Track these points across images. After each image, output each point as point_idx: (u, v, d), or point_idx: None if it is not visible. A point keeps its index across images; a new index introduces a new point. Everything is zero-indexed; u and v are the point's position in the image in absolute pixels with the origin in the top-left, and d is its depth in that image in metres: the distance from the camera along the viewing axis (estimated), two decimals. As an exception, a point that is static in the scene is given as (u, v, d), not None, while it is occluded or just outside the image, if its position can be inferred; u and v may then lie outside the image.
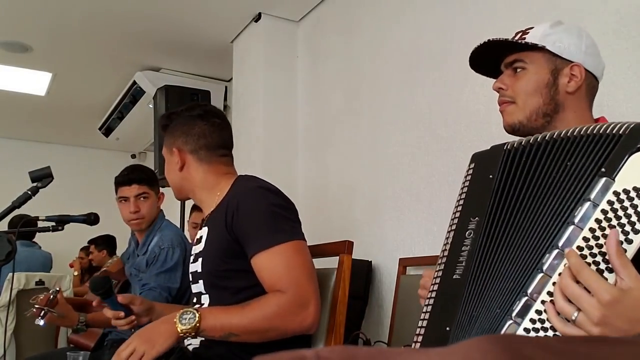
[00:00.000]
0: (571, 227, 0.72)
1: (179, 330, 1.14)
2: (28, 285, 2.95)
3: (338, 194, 2.67)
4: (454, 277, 0.85)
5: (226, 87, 3.88)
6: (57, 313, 1.66)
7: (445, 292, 0.86)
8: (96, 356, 1.91)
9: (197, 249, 1.37)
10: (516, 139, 0.92)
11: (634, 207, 0.68)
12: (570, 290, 0.70)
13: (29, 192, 1.64)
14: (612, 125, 0.77)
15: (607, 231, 0.70)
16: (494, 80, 1.11)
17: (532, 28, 1.06)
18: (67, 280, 3.19)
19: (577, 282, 0.70)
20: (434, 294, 0.87)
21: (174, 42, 3.40)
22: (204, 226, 1.39)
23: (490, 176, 0.88)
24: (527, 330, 0.71)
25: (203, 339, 1.28)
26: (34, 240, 3.84)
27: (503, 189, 0.85)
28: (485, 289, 0.80)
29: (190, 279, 1.39)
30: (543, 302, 0.72)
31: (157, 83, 3.45)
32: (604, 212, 0.71)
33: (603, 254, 0.70)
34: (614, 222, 0.70)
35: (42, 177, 1.65)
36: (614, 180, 0.70)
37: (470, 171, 0.94)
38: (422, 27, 2.30)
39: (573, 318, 0.69)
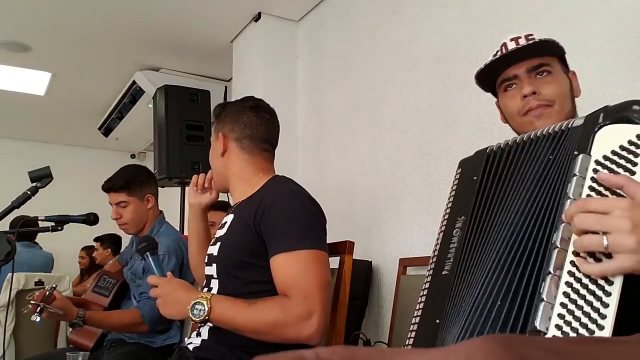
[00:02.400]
0: (568, 201, 0.72)
1: (189, 315, 1.21)
2: (27, 286, 2.95)
3: (338, 194, 2.67)
4: (443, 273, 0.90)
5: (226, 87, 3.87)
6: (53, 309, 1.65)
7: (436, 287, 0.91)
8: (95, 356, 1.91)
9: (218, 232, 1.38)
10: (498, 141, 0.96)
11: (619, 164, 0.70)
12: (589, 220, 0.65)
13: (29, 192, 1.64)
14: (579, 118, 0.81)
15: (605, 192, 0.70)
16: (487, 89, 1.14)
17: (531, 34, 1.07)
18: (66, 280, 3.19)
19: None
20: (425, 291, 0.93)
21: (174, 42, 3.40)
22: (231, 213, 1.40)
23: (475, 178, 0.93)
24: (563, 304, 0.66)
25: (205, 338, 1.28)
26: (35, 241, 3.84)
27: (486, 188, 0.90)
28: (472, 282, 0.83)
29: (205, 261, 1.39)
30: (570, 272, 0.68)
31: (157, 83, 3.45)
32: (593, 179, 0.72)
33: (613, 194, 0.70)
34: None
35: (41, 177, 1.65)
36: (590, 155, 0.73)
37: (457, 175, 1.00)
38: (422, 27, 2.30)
39: (605, 245, 0.63)
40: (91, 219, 1.89)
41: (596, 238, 0.63)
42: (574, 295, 0.65)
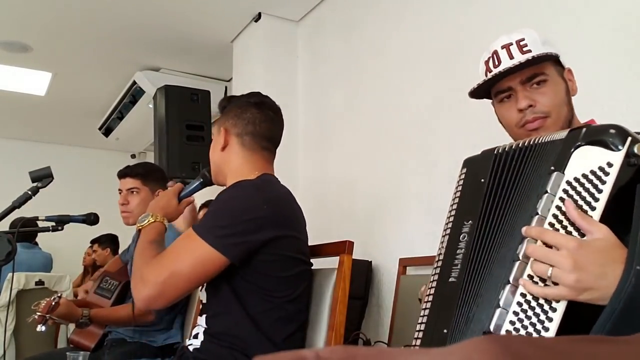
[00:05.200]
0: (536, 217, 0.77)
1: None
2: (28, 286, 2.95)
3: (338, 193, 2.67)
4: (450, 280, 0.86)
5: (226, 87, 3.88)
6: (59, 320, 1.68)
7: (442, 295, 0.87)
8: (96, 356, 1.91)
9: None
10: (506, 142, 0.94)
11: (587, 189, 0.75)
12: (539, 252, 0.73)
13: (29, 192, 1.64)
14: (565, 131, 0.84)
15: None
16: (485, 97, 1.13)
17: (522, 39, 1.04)
18: (66, 280, 3.19)
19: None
20: (430, 298, 0.89)
21: (174, 42, 3.40)
22: None
23: (482, 180, 0.90)
24: (515, 312, 0.73)
25: (203, 339, 1.28)
26: (35, 241, 3.84)
27: (494, 191, 0.87)
28: (480, 290, 0.81)
29: None
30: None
31: (157, 83, 3.45)
32: (561, 199, 0.77)
33: (573, 224, 0.75)
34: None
35: (42, 177, 1.65)
36: (563, 173, 0.77)
37: (462, 176, 0.96)
38: (422, 27, 2.30)
39: (548, 274, 0.71)
40: (91, 219, 1.89)
41: (543, 267, 0.72)
42: (525, 306, 0.73)
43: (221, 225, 1.20)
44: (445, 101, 2.13)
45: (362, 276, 2.28)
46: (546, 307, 0.72)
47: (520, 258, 0.75)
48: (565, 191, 0.76)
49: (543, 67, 1.03)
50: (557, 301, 0.72)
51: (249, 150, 1.39)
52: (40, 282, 2.99)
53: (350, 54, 2.72)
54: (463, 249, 0.87)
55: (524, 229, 0.77)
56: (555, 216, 0.76)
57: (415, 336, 0.88)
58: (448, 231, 0.92)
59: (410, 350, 0.55)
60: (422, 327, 0.88)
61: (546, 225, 0.76)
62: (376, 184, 2.43)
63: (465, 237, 0.87)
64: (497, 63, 1.06)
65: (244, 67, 3.23)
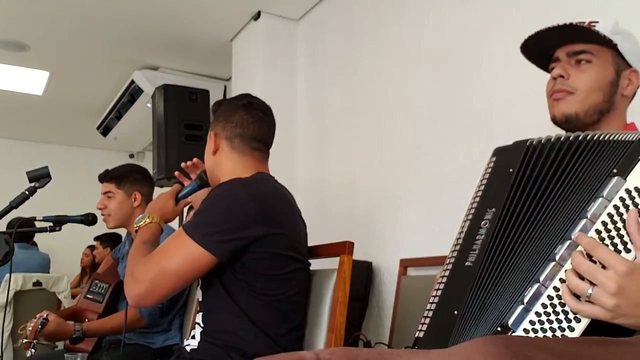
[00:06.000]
0: (584, 221, 0.75)
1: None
2: (25, 287, 2.94)
3: (338, 194, 2.66)
4: (466, 264, 0.86)
5: (225, 86, 3.86)
6: (46, 343, 1.68)
7: (456, 277, 0.87)
8: (95, 358, 1.90)
9: None
10: (535, 136, 0.92)
11: None
12: (584, 267, 0.71)
13: (27, 193, 1.63)
14: (633, 133, 0.81)
15: (619, 224, 0.74)
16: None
17: (597, 22, 1.04)
18: (64, 281, 3.18)
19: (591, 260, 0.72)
20: (444, 279, 0.89)
21: (173, 41, 3.39)
22: None
23: (511, 170, 0.89)
24: (538, 314, 0.73)
25: (200, 339, 1.27)
26: (33, 241, 3.82)
27: (523, 183, 0.86)
28: (498, 278, 0.81)
29: None
30: (555, 288, 0.74)
31: (156, 82, 3.44)
32: (615, 207, 0.75)
33: (620, 237, 0.73)
34: (626, 217, 0.74)
35: (39, 177, 1.64)
36: (625, 179, 0.75)
37: (491, 164, 0.95)
38: (422, 26, 2.29)
39: (588, 294, 0.70)
40: (89, 219, 1.88)
41: (583, 286, 0.71)
42: (549, 309, 0.72)
43: (208, 223, 1.20)
44: (445, 101, 2.12)
45: (363, 277, 2.27)
46: (571, 316, 0.71)
47: (557, 260, 0.74)
48: (622, 199, 0.74)
49: (596, 49, 1.03)
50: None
51: (239, 152, 1.38)
52: (37, 283, 2.98)
53: (350, 53, 2.71)
54: (483, 235, 0.86)
55: (575, 234, 0.75)
56: (604, 223, 0.74)
57: (425, 315, 0.87)
58: (470, 216, 0.91)
59: (411, 352, 0.54)
60: (433, 306, 0.87)
61: (592, 232, 0.74)
62: (376, 184, 2.42)
63: (487, 223, 0.87)
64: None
65: (243, 66, 3.22)
